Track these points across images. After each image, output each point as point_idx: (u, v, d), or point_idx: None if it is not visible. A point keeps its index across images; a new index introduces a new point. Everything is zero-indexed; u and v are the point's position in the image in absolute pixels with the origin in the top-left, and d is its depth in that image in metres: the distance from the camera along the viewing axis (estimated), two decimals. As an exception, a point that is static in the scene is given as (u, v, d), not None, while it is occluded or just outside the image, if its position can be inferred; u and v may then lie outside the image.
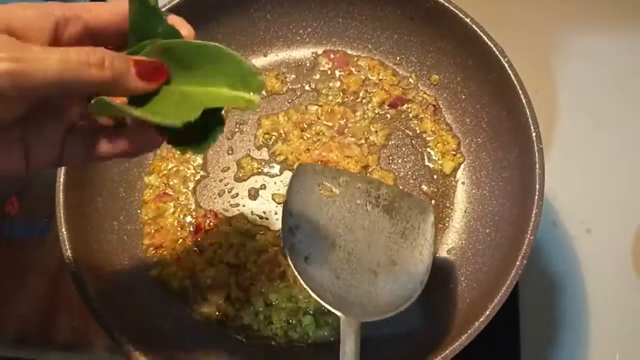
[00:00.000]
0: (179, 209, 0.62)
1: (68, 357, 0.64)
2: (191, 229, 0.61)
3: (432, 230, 0.50)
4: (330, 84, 0.66)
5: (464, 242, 0.59)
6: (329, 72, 0.66)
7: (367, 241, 0.45)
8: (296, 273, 0.45)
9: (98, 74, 0.33)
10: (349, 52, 0.67)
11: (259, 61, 0.67)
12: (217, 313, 0.58)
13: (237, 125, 0.65)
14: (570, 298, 0.65)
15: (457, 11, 0.58)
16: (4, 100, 0.32)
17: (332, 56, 0.66)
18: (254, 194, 0.62)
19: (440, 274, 0.59)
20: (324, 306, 0.44)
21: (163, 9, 0.59)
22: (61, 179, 0.56)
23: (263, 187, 0.62)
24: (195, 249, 0.60)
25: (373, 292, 0.44)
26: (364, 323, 0.45)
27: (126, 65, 0.35)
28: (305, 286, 0.45)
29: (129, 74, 0.35)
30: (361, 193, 0.49)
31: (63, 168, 0.56)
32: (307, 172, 0.50)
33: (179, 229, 0.61)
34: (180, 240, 0.61)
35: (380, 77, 0.65)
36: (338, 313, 0.43)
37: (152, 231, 0.61)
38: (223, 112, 0.39)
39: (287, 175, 0.63)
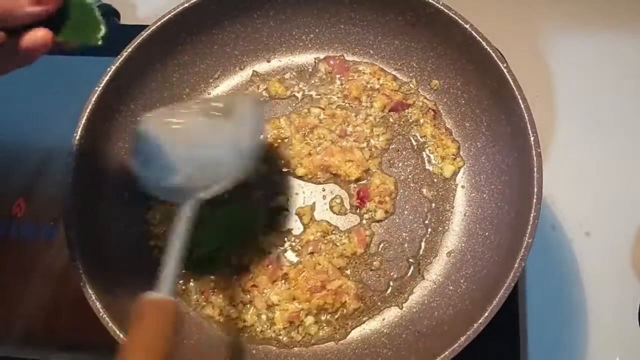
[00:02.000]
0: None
1: (72, 357, 0.64)
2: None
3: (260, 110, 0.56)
4: (331, 87, 0.66)
5: (463, 244, 0.60)
6: (330, 78, 0.67)
7: (206, 141, 0.52)
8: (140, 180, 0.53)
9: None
10: (350, 57, 0.67)
11: (262, 66, 0.68)
12: (219, 315, 0.59)
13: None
14: (570, 301, 0.65)
15: (457, 17, 0.58)
16: None
17: (331, 62, 0.67)
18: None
19: (440, 276, 0.60)
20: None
21: (166, 17, 0.61)
22: (68, 183, 0.57)
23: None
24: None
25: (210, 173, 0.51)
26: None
27: None
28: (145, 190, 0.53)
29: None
30: (200, 114, 0.55)
31: (70, 173, 0.57)
32: (153, 117, 0.56)
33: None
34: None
35: (381, 82, 0.66)
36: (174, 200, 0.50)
37: (160, 232, 0.62)
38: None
39: (289, 179, 0.64)
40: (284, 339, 0.59)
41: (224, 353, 0.58)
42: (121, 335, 0.52)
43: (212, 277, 0.61)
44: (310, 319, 0.59)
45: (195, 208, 0.49)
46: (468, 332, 0.49)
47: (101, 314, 0.52)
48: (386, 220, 0.62)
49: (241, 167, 0.52)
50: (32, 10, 0.38)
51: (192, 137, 0.52)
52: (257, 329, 0.59)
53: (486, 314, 0.50)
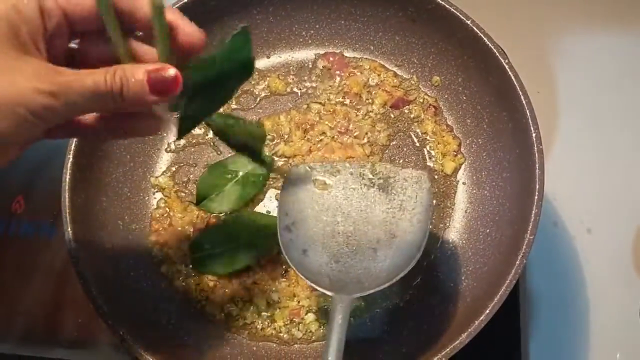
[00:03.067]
0: (188, 207, 0.63)
1: (73, 354, 0.64)
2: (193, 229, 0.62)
3: (429, 197, 0.49)
4: (331, 84, 0.66)
5: (464, 241, 0.60)
6: (329, 74, 0.67)
7: (365, 221, 0.46)
8: (292, 266, 0.47)
9: (119, 100, 0.36)
10: (351, 53, 0.67)
11: (261, 63, 0.68)
12: (220, 312, 0.59)
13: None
14: (571, 297, 0.65)
15: (458, 13, 0.58)
16: (37, 122, 0.35)
17: (331, 59, 0.67)
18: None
19: (441, 273, 0.59)
20: (319, 291, 0.45)
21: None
22: (67, 179, 0.56)
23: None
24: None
25: (372, 267, 0.44)
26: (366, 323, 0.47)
27: (142, 88, 0.37)
28: (301, 276, 0.46)
29: (144, 93, 0.37)
30: (355, 178, 0.49)
31: (69, 169, 0.57)
32: (299, 173, 0.51)
33: (187, 227, 0.62)
34: (185, 239, 0.61)
35: (382, 79, 0.66)
36: (330, 294, 0.44)
37: (160, 228, 0.62)
38: None
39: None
40: (285, 336, 0.58)
41: (224, 351, 0.58)
42: (121, 332, 0.52)
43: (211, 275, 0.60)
44: (310, 316, 0.59)
45: (349, 308, 0.42)
46: (469, 329, 0.49)
47: (101, 311, 0.52)
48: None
49: (411, 261, 0.43)
50: (153, 99, 0.37)
51: (346, 207, 0.45)
52: (258, 327, 0.59)
53: (487, 311, 0.49)
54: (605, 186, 0.69)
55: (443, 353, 0.49)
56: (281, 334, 0.58)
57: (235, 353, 0.58)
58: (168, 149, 0.65)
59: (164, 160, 0.65)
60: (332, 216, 0.46)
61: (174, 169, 0.65)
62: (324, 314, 0.59)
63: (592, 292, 0.65)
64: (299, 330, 0.58)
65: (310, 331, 0.58)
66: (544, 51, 0.76)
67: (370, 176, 0.49)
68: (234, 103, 0.67)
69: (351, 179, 0.50)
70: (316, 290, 0.45)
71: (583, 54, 0.76)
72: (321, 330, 0.58)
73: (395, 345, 0.57)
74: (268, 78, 0.67)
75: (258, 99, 0.67)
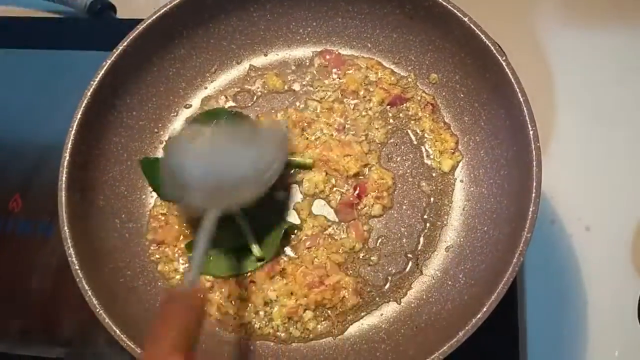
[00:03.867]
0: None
1: (71, 353, 0.64)
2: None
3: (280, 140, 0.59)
4: (327, 81, 0.66)
5: (462, 239, 0.60)
6: (326, 72, 0.66)
7: (227, 163, 0.54)
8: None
9: None
10: (348, 51, 0.67)
11: (259, 60, 0.68)
12: (216, 311, 0.59)
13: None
14: (569, 295, 0.65)
15: (455, 10, 0.58)
16: None
17: (327, 57, 0.66)
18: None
19: (439, 271, 0.59)
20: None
21: (162, 11, 0.60)
22: (63, 178, 0.56)
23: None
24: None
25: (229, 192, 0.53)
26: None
27: None
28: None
29: None
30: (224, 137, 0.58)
31: (65, 168, 0.57)
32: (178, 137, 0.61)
33: (184, 226, 0.62)
34: (182, 237, 0.61)
35: (379, 76, 0.66)
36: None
37: (158, 226, 0.62)
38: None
39: (287, 175, 0.63)
40: (282, 334, 0.58)
41: (222, 349, 0.58)
42: (117, 331, 0.51)
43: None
44: (308, 314, 0.58)
45: (214, 218, 0.51)
46: (467, 327, 0.49)
47: (98, 310, 0.52)
48: (384, 215, 0.62)
49: (258, 189, 0.54)
50: None
51: (215, 158, 0.54)
52: (255, 325, 0.59)
53: (485, 309, 0.49)
54: (604, 184, 0.69)
55: (440, 351, 0.49)
56: (279, 333, 0.58)
57: (232, 352, 0.58)
58: (165, 148, 0.65)
59: (161, 158, 0.65)
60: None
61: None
62: (321, 311, 0.59)
63: (590, 290, 0.65)
64: (296, 328, 0.58)
65: (308, 329, 0.58)
66: (541, 49, 0.76)
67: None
68: (231, 101, 0.67)
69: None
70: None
71: (581, 52, 0.76)
72: (319, 328, 0.58)
73: (393, 343, 0.56)
74: (265, 76, 0.67)
75: (255, 97, 0.67)
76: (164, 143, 0.65)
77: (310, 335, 0.58)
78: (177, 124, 0.66)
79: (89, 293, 0.53)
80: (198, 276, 0.49)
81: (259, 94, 0.67)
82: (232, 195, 0.53)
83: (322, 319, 0.59)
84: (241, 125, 0.62)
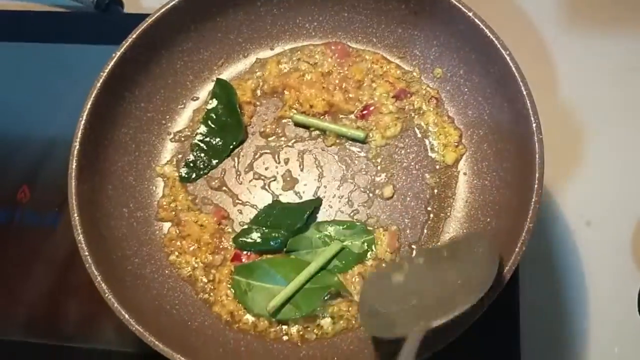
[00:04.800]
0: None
1: (77, 343, 0.65)
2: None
3: (488, 252, 0.53)
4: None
5: (465, 230, 0.60)
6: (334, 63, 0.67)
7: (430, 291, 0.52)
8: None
9: None
10: (353, 45, 0.68)
11: (266, 54, 0.68)
12: (225, 315, 0.59)
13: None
14: (570, 290, 0.66)
15: (460, 5, 0.59)
16: None
17: (332, 47, 0.67)
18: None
19: (442, 262, 0.60)
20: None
21: (170, 4, 0.61)
22: (73, 167, 0.57)
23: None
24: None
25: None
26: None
27: None
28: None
29: None
30: (422, 266, 0.54)
31: (75, 157, 0.57)
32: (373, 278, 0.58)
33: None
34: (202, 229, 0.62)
35: (384, 70, 0.66)
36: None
37: (165, 217, 0.63)
38: None
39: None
40: (298, 341, 0.58)
41: (230, 339, 0.59)
42: (126, 316, 0.52)
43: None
44: (327, 321, 0.59)
45: (421, 335, 0.47)
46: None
47: (107, 295, 0.53)
48: (389, 206, 0.62)
49: (470, 301, 0.49)
50: None
51: (416, 289, 0.52)
52: (271, 335, 0.59)
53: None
54: (605, 180, 0.70)
55: (442, 339, 0.50)
56: (295, 340, 0.58)
57: (241, 345, 0.58)
58: (173, 139, 0.66)
59: (169, 149, 0.66)
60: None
61: (178, 157, 0.66)
62: (338, 314, 0.59)
63: (591, 285, 0.66)
64: (313, 333, 0.58)
65: (326, 332, 0.58)
66: (545, 44, 0.77)
67: (437, 257, 0.55)
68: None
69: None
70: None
71: (584, 49, 0.76)
72: (336, 327, 0.58)
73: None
74: (267, 65, 0.68)
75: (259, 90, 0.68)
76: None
77: (328, 336, 0.59)
78: (185, 115, 0.67)
79: (98, 278, 0.53)
80: None
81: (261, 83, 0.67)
82: (436, 310, 0.48)
83: (339, 319, 0.59)
84: (438, 249, 0.59)
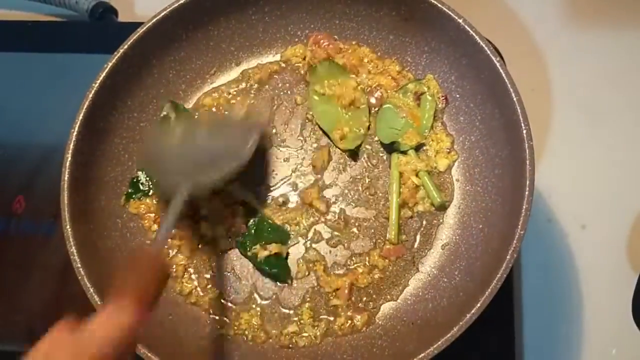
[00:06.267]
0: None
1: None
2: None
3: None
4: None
5: (457, 237, 0.60)
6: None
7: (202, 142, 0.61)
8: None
9: None
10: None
11: (256, 62, 0.68)
12: (218, 325, 0.60)
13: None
14: (565, 294, 0.66)
15: (450, 12, 0.59)
16: None
17: (322, 42, 0.67)
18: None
19: (435, 269, 0.60)
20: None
21: (162, 14, 0.61)
22: (66, 178, 0.57)
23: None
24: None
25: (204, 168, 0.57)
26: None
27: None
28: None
29: None
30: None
31: (67, 168, 0.58)
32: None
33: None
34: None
35: (386, 66, 0.66)
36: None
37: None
38: None
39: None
40: (277, 345, 0.59)
41: (223, 347, 0.59)
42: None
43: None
44: (308, 321, 0.59)
45: (188, 191, 0.54)
46: (461, 323, 0.50)
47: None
48: (381, 213, 0.63)
49: (231, 166, 0.58)
50: None
51: (190, 139, 0.60)
52: (248, 336, 0.59)
53: (478, 305, 0.50)
54: (600, 183, 0.70)
55: (435, 346, 0.50)
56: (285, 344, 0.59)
57: (235, 351, 0.59)
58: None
59: (162, 159, 0.66)
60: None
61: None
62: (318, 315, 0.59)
63: (586, 288, 0.66)
64: (303, 338, 0.59)
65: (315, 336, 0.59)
66: (538, 49, 0.77)
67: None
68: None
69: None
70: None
71: (577, 51, 0.76)
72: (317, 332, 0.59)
73: (390, 339, 0.57)
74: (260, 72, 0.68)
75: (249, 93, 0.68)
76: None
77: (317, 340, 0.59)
78: (177, 125, 0.67)
79: (91, 290, 0.54)
80: (165, 242, 0.57)
81: (255, 87, 0.68)
82: (202, 171, 0.56)
83: (318, 323, 0.59)
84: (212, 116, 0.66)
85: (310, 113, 0.66)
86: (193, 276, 0.61)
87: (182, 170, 0.56)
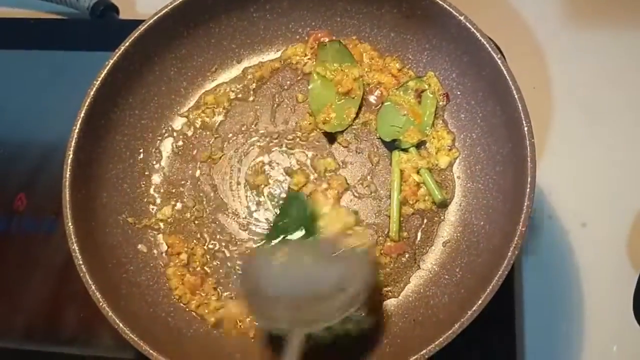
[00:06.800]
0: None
1: (75, 350, 0.65)
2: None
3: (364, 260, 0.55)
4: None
5: (458, 234, 0.60)
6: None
7: (310, 278, 0.54)
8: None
9: None
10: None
11: (258, 59, 0.68)
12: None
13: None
14: (566, 291, 0.66)
15: (451, 9, 0.59)
16: None
17: (320, 35, 0.67)
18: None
19: (436, 265, 0.60)
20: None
21: (163, 11, 0.61)
22: (67, 176, 0.57)
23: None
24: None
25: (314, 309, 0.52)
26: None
27: None
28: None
29: None
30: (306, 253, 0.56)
31: (69, 166, 0.58)
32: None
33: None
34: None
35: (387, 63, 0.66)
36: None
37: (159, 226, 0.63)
38: None
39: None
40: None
41: (224, 350, 0.59)
42: (121, 325, 0.52)
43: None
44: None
45: (302, 338, 0.49)
46: (462, 319, 0.50)
47: (101, 304, 0.53)
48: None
49: (345, 308, 0.51)
50: None
51: (296, 273, 0.54)
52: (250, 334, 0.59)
53: (480, 302, 0.50)
54: (600, 181, 0.70)
55: (436, 342, 0.50)
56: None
57: (237, 348, 0.59)
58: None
59: (163, 157, 0.66)
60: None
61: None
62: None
63: (587, 286, 0.66)
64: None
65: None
66: (540, 47, 0.77)
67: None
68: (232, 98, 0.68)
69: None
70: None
71: (579, 50, 0.76)
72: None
73: (391, 336, 0.57)
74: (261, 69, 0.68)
75: (251, 91, 0.68)
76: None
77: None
78: (178, 122, 0.67)
79: (93, 287, 0.54)
80: None
81: (253, 87, 0.68)
82: (314, 313, 0.51)
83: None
84: (318, 242, 0.57)
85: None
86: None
87: (291, 307, 0.51)
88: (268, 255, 0.55)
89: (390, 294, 0.60)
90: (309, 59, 0.67)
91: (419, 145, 0.63)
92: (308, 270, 0.54)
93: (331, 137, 0.65)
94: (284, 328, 0.51)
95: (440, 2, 0.59)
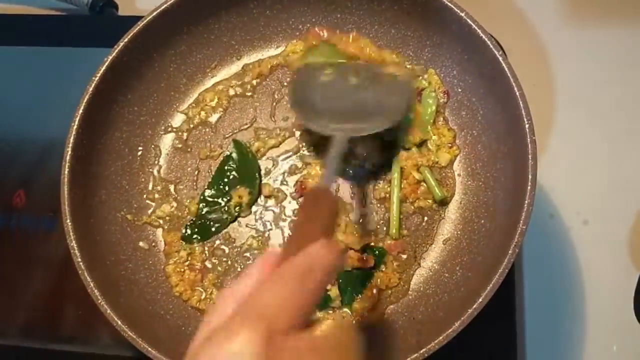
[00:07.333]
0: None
1: (74, 347, 0.65)
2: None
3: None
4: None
5: (459, 232, 0.60)
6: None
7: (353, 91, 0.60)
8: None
9: None
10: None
11: (258, 56, 0.68)
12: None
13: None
14: (567, 289, 0.66)
15: (452, 5, 0.58)
16: None
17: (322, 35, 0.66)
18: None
19: (436, 264, 0.60)
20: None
21: (162, 7, 0.61)
22: (66, 172, 0.57)
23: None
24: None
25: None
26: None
27: None
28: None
29: None
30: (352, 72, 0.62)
31: (67, 162, 0.57)
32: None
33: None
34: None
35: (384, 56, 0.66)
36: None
37: (157, 223, 0.63)
38: None
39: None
40: None
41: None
42: (119, 322, 0.52)
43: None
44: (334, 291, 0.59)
45: (344, 141, 0.54)
46: (462, 318, 0.50)
47: (99, 301, 0.53)
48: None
49: (386, 118, 0.58)
50: None
51: (342, 89, 0.60)
52: None
53: (480, 300, 0.50)
54: (602, 178, 0.69)
55: (437, 341, 0.50)
56: None
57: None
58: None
59: (162, 153, 0.66)
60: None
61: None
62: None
63: (588, 284, 0.66)
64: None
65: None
66: (541, 44, 0.77)
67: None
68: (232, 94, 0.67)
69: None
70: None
71: (580, 47, 0.76)
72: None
73: (392, 334, 0.57)
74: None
75: (249, 87, 0.68)
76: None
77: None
78: (178, 119, 0.67)
79: (91, 284, 0.53)
80: (333, 178, 0.54)
81: (254, 84, 0.67)
82: (357, 122, 0.57)
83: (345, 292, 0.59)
84: (363, 66, 0.63)
85: None
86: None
87: (336, 116, 0.56)
88: (317, 70, 0.61)
89: (390, 292, 0.59)
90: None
91: (420, 142, 0.63)
92: (353, 87, 0.60)
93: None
94: (328, 133, 0.55)
95: (441, -2, 0.59)
